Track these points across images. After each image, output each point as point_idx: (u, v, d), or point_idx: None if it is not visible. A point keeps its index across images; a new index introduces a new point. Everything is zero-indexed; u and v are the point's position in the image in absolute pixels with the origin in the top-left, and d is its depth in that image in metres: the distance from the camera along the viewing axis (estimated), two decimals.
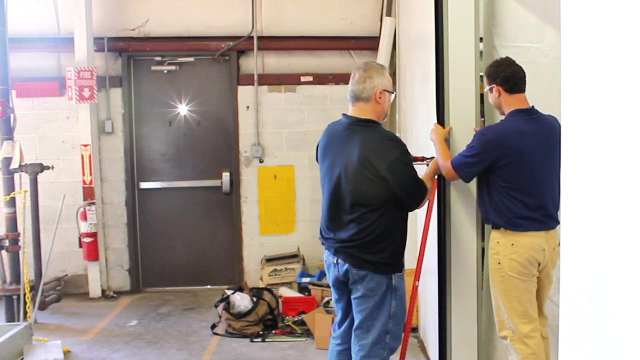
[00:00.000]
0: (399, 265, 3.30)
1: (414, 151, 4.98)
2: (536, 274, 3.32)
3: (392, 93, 3.34)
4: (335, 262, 3.32)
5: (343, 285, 3.37)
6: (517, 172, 3.27)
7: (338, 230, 3.30)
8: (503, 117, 3.43)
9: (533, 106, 3.35)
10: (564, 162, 1.43)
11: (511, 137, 3.27)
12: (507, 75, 3.31)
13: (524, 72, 3.33)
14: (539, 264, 3.30)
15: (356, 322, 3.32)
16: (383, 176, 3.14)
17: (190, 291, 6.68)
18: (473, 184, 3.52)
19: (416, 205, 3.35)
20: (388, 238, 3.22)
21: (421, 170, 3.59)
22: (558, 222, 3.35)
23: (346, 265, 3.25)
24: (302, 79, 6.66)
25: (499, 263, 3.31)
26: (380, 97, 3.25)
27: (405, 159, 3.25)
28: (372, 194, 3.18)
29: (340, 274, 3.31)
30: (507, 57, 3.39)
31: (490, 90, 3.38)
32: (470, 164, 3.33)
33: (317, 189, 4.28)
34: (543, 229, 3.29)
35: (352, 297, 3.33)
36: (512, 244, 3.28)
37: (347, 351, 3.43)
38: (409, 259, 4.12)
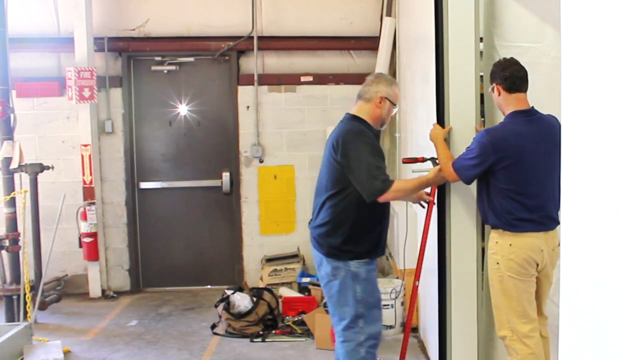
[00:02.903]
0: (354, 252, 3.37)
1: (414, 151, 4.99)
2: (535, 274, 3.32)
3: (395, 106, 3.47)
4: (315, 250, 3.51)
5: None
6: (516, 175, 3.27)
7: (314, 217, 3.49)
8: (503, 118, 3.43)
9: (533, 107, 3.35)
10: (564, 162, 1.43)
11: (510, 140, 3.27)
12: (505, 75, 3.31)
13: (525, 72, 3.32)
14: (538, 265, 3.30)
15: (330, 312, 3.49)
16: (340, 161, 3.29)
17: (190, 291, 6.68)
18: (473, 184, 3.53)
19: (371, 196, 3.27)
20: (343, 224, 3.34)
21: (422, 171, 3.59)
22: (558, 223, 3.34)
23: (314, 250, 3.45)
24: (302, 79, 6.66)
25: (498, 263, 3.31)
26: (380, 103, 3.41)
27: (362, 148, 3.30)
28: (332, 179, 3.35)
29: (315, 262, 3.50)
30: (511, 58, 3.38)
31: (492, 89, 3.38)
32: (469, 166, 3.33)
33: None
34: (542, 230, 3.29)
35: (321, 285, 3.50)
36: (510, 245, 3.28)
37: None
38: (409, 259, 4.12)
